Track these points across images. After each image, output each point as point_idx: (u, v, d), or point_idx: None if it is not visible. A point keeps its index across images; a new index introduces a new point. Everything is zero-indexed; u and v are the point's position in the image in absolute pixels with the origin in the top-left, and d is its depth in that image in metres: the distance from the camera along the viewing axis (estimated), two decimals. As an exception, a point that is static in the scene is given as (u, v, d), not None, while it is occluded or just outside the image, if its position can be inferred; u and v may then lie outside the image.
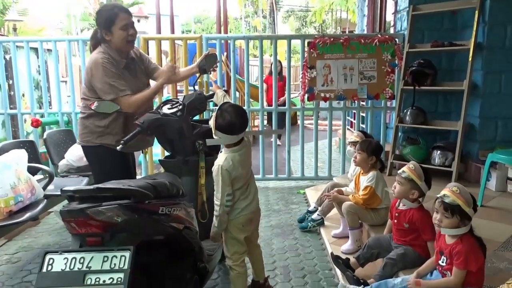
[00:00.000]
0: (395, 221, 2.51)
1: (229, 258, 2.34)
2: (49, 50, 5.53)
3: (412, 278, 2.17)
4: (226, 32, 8.93)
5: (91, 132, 2.67)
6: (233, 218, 2.27)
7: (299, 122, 6.00)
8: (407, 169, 2.44)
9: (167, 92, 7.72)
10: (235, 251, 2.32)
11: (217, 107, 2.28)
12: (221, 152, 2.30)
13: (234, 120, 2.19)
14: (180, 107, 2.55)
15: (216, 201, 2.20)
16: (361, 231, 3.12)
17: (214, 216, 2.23)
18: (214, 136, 2.22)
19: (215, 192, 2.20)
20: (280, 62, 7.11)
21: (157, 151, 5.13)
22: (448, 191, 2.02)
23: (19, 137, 5.15)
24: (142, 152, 4.11)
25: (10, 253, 3.37)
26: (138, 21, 12.06)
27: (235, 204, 2.25)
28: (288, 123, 5.15)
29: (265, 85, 7.14)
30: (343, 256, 2.74)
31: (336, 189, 3.59)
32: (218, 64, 2.93)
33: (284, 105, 5.25)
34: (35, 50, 5.40)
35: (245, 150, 2.28)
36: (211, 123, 2.22)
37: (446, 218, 2.01)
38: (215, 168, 2.19)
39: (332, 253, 2.85)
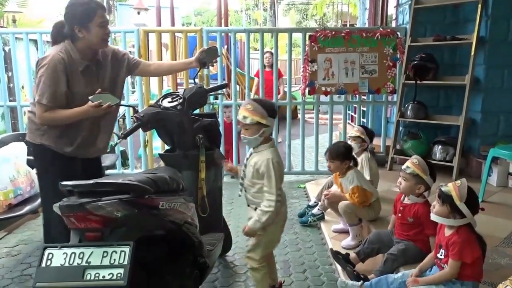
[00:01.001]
0: (399, 215, 2.50)
1: (256, 260, 2.23)
2: (49, 42, 5.49)
3: (414, 273, 2.17)
4: (226, 25, 8.89)
5: (36, 129, 2.46)
6: (277, 217, 2.17)
7: (299, 116, 5.98)
8: (411, 164, 2.42)
9: (167, 85, 7.69)
10: (265, 254, 2.25)
11: (217, 100, 2.25)
12: (254, 153, 2.18)
13: (271, 104, 2.20)
14: (181, 100, 2.53)
15: (270, 197, 2.08)
16: (361, 226, 3.12)
17: (261, 212, 2.10)
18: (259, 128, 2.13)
19: (265, 189, 2.09)
20: (271, 53, 6.70)
21: (157, 144, 5.12)
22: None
23: (18, 129, 5.13)
24: (119, 157, 3.97)
25: (9, 246, 3.36)
26: (138, 13, 11.91)
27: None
28: (288, 117, 5.13)
29: (256, 79, 6.82)
30: (343, 251, 2.73)
31: (334, 187, 3.59)
32: (218, 57, 2.87)
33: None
34: (35, 42, 5.35)
35: (276, 148, 2.24)
36: (257, 111, 2.10)
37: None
38: (263, 164, 2.09)
39: (331, 249, 2.84)
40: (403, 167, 2.46)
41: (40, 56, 4.95)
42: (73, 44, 2.39)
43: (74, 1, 2.40)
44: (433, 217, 2.06)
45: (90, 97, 2.23)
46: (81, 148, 2.48)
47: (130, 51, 8.08)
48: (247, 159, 2.21)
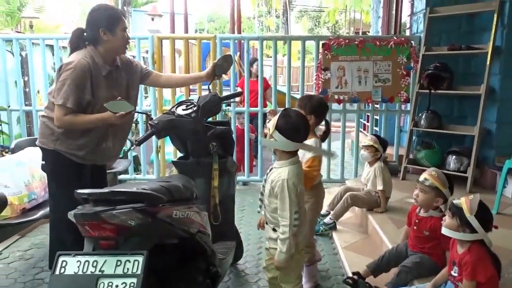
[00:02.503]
0: (415, 227, 2.43)
1: (295, 285, 2.14)
2: (64, 48, 5.55)
3: (428, 287, 2.12)
4: (239, 31, 8.92)
5: (49, 134, 2.48)
6: (299, 240, 2.06)
7: (311, 123, 5.95)
8: (430, 176, 2.34)
9: (180, 91, 7.71)
10: (299, 275, 2.18)
11: (229, 107, 2.22)
12: (274, 168, 2.08)
13: (299, 126, 2.02)
14: (195, 108, 2.53)
15: (283, 221, 1.95)
16: (315, 266, 2.85)
17: (280, 241, 1.98)
18: (269, 138, 2.05)
19: (279, 211, 1.97)
20: (255, 59, 5.90)
21: (169, 150, 5.14)
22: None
23: (33, 133, 5.18)
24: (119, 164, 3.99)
25: (22, 250, 3.38)
26: (152, 19, 12.04)
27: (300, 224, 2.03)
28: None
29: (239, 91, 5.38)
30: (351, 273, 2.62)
31: (349, 193, 3.55)
32: (231, 66, 2.87)
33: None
34: (51, 47, 5.42)
35: (300, 164, 2.11)
36: (271, 123, 2.04)
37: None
38: (278, 184, 1.97)
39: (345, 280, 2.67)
40: (421, 179, 2.37)
41: (56, 61, 5.03)
42: (96, 49, 2.43)
43: (100, 6, 2.50)
44: (443, 230, 2.01)
45: (105, 104, 2.24)
46: (94, 155, 2.51)
47: (144, 57, 8.15)
48: (267, 174, 2.12)
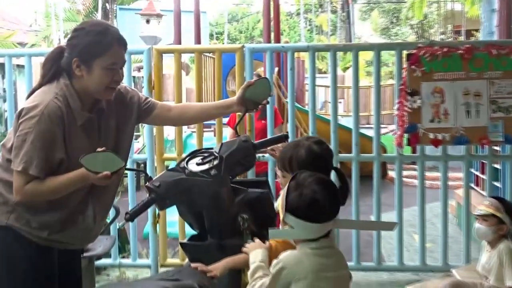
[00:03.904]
0: None
1: None
2: (19, 66, 5.76)
3: None
4: (278, 37, 9.08)
5: (1, 203, 2.50)
6: None
7: (392, 175, 5.87)
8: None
9: (187, 127, 7.82)
10: None
11: (265, 155, 2.26)
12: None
13: (320, 197, 2.09)
14: (215, 162, 2.53)
15: None
16: None
17: None
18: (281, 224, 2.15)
19: None
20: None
21: (173, 218, 5.13)
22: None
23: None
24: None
25: None
26: (147, 21, 12.47)
27: None
28: (376, 178, 5.04)
29: (229, 131, 5.52)
30: None
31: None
32: (271, 95, 2.90)
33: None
34: (1, 66, 5.64)
35: (334, 251, 2.19)
36: (279, 202, 2.14)
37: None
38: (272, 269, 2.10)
39: None
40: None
41: (7, 86, 5.19)
42: (71, 85, 2.48)
43: (88, 25, 2.56)
44: None
45: (81, 159, 2.27)
46: (65, 235, 2.53)
47: (134, 77, 8.28)
48: None
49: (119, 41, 2.51)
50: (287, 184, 2.13)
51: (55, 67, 2.52)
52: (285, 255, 2.11)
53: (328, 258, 2.13)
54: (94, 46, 2.45)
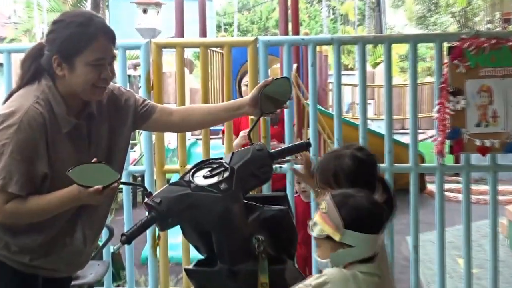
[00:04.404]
0: None
1: None
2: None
3: None
4: (296, 28, 9.09)
5: None
6: None
7: (431, 188, 5.84)
8: None
9: (191, 134, 7.83)
10: None
11: (283, 165, 2.30)
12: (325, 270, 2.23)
13: (373, 203, 2.23)
14: (226, 174, 2.53)
15: None
16: None
17: None
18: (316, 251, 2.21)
19: None
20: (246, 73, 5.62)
21: (175, 241, 5.15)
22: None
23: None
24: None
25: None
26: (145, 11, 12.54)
27: None
28: (413, 192, 5.02)
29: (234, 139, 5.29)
30: None
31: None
32: (290, 98, 2.90)
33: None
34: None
35: (383, 282, 2.22)
36: (321, 227, 2.18)
37: None
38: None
39: None
40: None
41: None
42: (55, 87, 2.48)
43: (68, 16, 2.54)
44: None
45: (69, 172, 2.27)
46: (50, 261, 2.54)
47: (130, 76, 8.33)
48: None
49: (105, 33, 2.50)
50: (327, 204, 2.18)
51: (34, 66, 2.52)
52: (331, 271, 2.16)
53: (383, 281, 2.19)
54: (75, 39, 2.43)
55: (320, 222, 2.17)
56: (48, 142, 2.42)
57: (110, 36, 2.52)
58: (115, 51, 2.60)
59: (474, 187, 5.97)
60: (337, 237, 2.12)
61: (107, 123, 2.64)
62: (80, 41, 2.43)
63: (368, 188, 2.49)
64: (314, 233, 2.19)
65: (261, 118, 3.03)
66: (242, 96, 4.95)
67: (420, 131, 6.27)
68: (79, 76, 2.45)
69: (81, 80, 2.45)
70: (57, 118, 2.45)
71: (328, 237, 2.14)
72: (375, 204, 2.23)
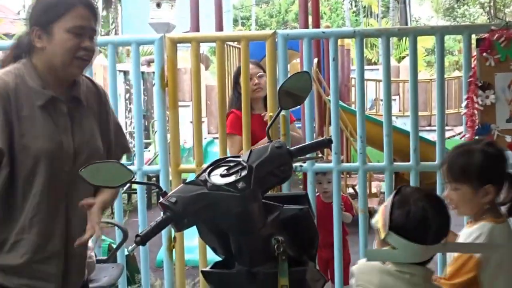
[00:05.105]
0: None
1: None
2: None
3: None
4: (317, 21, 9.06)
5: None
6: None
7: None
8: None
9: (207, 131, 7.83)
10: None
11: (304, 164, 2.31)
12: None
13: (431, 215, 2.21)
14: (243, 173, 2.53)
15: None
16: None
17: None
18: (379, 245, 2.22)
19: None
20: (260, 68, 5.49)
21: (192, 243, 5.17)
22: None
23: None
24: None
25: None
26: (158, 5, 12.58)
27: None
28: (440, 189, 4.99)
29: (237, 140, 5.13)
30: None
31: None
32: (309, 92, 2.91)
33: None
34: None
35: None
36: (377, 218, 2.22)
37: None
38: None
39: None
40: None
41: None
42: (31, 62, 2.50)
43: None
44: None
45: (80, 171, 2.29)
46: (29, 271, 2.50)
47: (143, 72, 8.37)
48: None
49: (84, 3, 2.52)
50: (391, 200, 2.23)
51: (15, 52, 2.57)
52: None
53: None
54: (53, 5, 2.48)
55: (379, 213, 2.22)
56: (11, 116, 2.38)
57: (90, 7, 2.54)
58: (97, 28, 2.58)
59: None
60: (382, 235, 2.16)
61: (92, 116, 2.67)
62: (59, 7, 2.47)
63: (495, 184, 2.60)
64: (372, 220, 2.24)
65: (280, 115, 3.04)
66: (239, 95, 4.90)
67: (447, 128, 6.21)
68: (58, 44, 2.45)
69: (60, 48, 2.45)
70: (30, 91, 2.45)
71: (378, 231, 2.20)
72: (430, 217, 2.20)
